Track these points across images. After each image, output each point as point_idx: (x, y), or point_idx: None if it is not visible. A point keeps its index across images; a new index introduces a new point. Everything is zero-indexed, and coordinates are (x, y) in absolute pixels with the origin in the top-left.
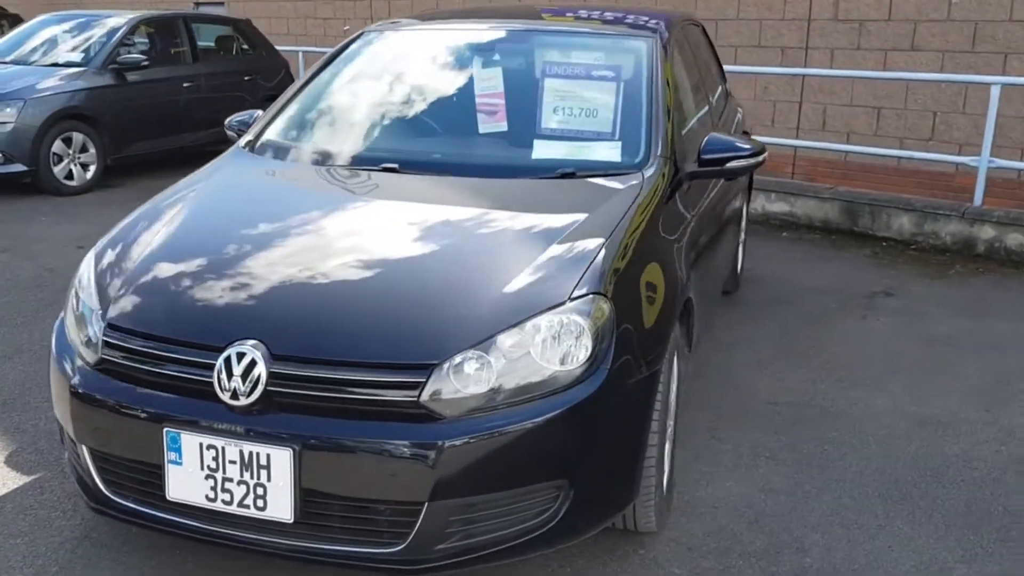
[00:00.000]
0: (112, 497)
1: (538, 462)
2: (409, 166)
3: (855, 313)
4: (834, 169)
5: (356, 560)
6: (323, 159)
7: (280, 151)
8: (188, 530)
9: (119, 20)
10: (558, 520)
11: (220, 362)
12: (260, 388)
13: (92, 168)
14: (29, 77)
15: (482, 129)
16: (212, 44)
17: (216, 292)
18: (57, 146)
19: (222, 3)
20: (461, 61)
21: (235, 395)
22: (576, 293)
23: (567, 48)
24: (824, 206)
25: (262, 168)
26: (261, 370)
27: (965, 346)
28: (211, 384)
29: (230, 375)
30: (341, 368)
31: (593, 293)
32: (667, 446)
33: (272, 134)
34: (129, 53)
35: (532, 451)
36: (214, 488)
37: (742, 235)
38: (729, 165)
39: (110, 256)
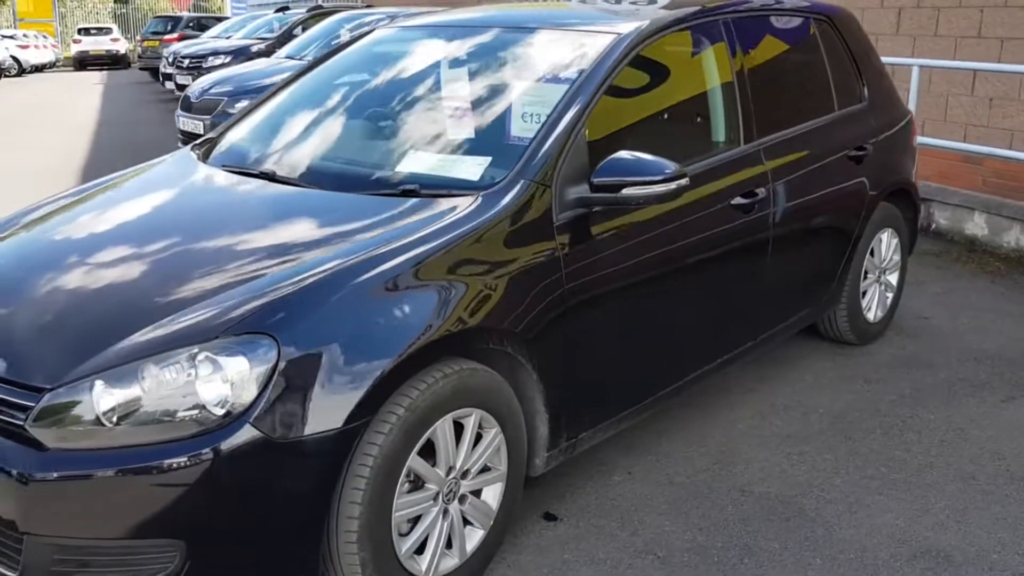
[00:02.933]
0: None
1: (144, 515)
2: (282, 174)
3: (1002, 392)
4: None
5: None
6: (229, 162)
7: (211, 152)
8: None
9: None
10: None
11: None
12: None
13: None
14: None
15: (451, 135)
16: None
17: None
18: None
19: None
20: (419, 65)
21: None
22: (232, 329)
23: (523, 47)
24: None
25: (165, 169)
26: None
27: None
28: None
29: None
30: None
31: (255, 332)
32: (428, 519)
33: (231, 134)
34: None
35: (136, 502)
36: None
37: (876, 274)
38: (625, 192)
39: None
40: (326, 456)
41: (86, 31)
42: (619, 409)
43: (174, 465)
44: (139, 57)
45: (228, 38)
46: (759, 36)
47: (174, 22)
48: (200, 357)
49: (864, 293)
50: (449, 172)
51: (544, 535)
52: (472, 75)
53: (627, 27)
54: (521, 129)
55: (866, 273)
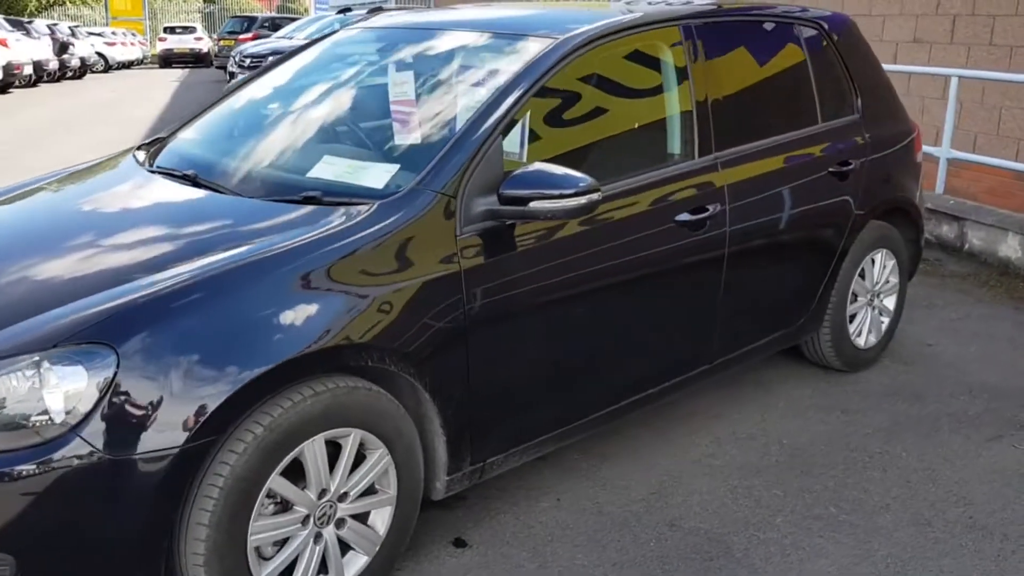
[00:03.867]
0: None
1: None
2: (204, 177)
3: (989, 430)
4: None
5: None
6: (164, 164)
7: (158, 153)
8: None
9: None
10: None
11: None
12: None
13: None
14: None
15: (398, 140)
16: None
17: None
18: None
19: None
20: (365, 68)
21: None
22: (73, 337)
23: (471, 52)
24: None
25: (102, 169)
26: None
27: None
28: None
29: None
30: None
31: (94, 341)
32: (296, 543)
33: (180, 134)
34: None
35: None
36: None
37: (867, 297)
38: (533, 205)
39: None
40: (164, 476)
41: (171, 30)
42: (535, 434)
43: (3, 476)
44: (215, 56)
45: (291, 39)
46: (727, 43)
47: (249, 22)
48: (44, 365)
49: (852, 317)
50: (355, 179)
51: (447, 562)
52: (417, 79)
53: (569, 32)
54: None
55: (855, 295)
